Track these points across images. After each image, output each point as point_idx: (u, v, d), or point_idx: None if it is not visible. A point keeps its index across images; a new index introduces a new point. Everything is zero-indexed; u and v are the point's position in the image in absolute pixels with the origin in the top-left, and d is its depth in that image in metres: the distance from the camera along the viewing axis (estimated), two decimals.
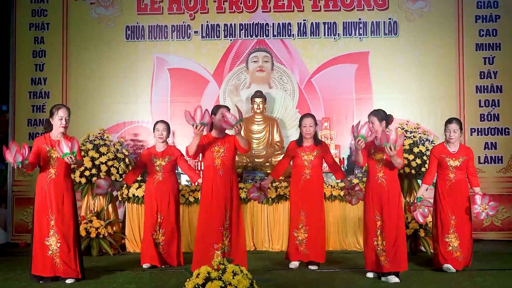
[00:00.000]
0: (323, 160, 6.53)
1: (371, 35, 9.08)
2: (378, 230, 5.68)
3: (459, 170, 6.16)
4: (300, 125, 6.52)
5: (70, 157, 5.39)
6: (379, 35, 9.08)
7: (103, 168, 7.73)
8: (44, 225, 5.59)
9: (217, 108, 6.00)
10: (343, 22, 9.10)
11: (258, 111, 8.84)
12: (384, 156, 5.62)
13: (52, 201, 5.58)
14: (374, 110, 5.99)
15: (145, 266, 6.49)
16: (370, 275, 5.84)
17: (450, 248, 6.10)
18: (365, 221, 5.82)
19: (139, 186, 7.74)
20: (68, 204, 5.65)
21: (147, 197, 6.72)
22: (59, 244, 5.56)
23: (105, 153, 7.84)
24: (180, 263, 6.65)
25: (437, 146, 6.35)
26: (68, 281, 5.58)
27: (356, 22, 9.09)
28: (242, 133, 5.92)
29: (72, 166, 5.80)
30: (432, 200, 6.30)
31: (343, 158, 8.56)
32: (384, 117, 5.82)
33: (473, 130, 8.90)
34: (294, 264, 6.44)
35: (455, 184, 6.16)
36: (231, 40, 9.20)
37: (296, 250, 6.40)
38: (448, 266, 6.05)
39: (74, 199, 5.76)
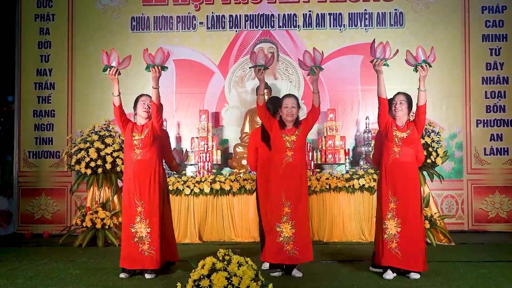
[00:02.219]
0: (308, 123, 5.54)
1: (376, 26, 9.04)
2: None
3: (406, 144, 5.36)
4: (280, 107, 5.52)
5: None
6: (385, 26, 9.05)
7: (109, 159, 7.75)
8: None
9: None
10: (349, 13, 9.08)
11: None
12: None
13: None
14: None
15: (122, 275, 5.36)
16: None
17: (386, 236, 5.18)
18: None
19: None
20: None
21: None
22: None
23: (111, 144, 7.86)
24: (162, 264, 5.53)
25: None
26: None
27: (362, 13, 9.06)
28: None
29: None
30: None
31: (348, 150, 8.56)
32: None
33: (478, 121, 8.87)
34: (278, 272, 5.42)
35: (400, 159, 5.27)
36: (236, 31, 9.18)
37: (280, 250, 5.34)
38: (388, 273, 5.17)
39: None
